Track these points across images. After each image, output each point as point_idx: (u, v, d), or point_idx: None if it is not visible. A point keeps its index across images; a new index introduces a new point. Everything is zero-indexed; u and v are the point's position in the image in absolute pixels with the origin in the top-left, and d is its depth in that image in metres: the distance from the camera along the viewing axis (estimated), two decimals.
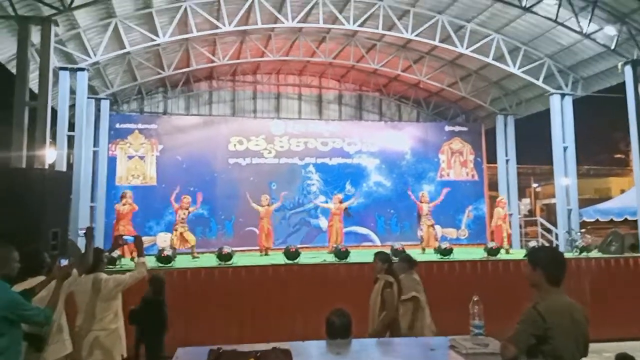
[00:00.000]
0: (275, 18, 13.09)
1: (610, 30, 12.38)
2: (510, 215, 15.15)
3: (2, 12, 9.86)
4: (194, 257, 12.03)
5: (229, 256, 10.03)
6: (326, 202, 16.06)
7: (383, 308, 5.22)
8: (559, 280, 2.90)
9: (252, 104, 19.10)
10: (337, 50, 16.40)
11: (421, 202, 14.19)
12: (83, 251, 4.89)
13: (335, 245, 11.89)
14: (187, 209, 12.63)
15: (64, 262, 5.51)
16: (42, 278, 4.29)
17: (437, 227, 15.08)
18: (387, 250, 10.95)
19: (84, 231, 5.03)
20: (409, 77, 17.62)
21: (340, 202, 14.16)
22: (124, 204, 12.35)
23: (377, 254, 5.72)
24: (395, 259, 6.44)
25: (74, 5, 10.19)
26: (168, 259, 9.83)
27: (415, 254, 11.55)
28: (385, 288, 5.28)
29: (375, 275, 5.52)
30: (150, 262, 8.63)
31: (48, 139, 9.96)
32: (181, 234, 12.41)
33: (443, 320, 6.01)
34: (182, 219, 12.54)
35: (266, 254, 13.09)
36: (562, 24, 12.41)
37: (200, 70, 17.03)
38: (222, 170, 16.57)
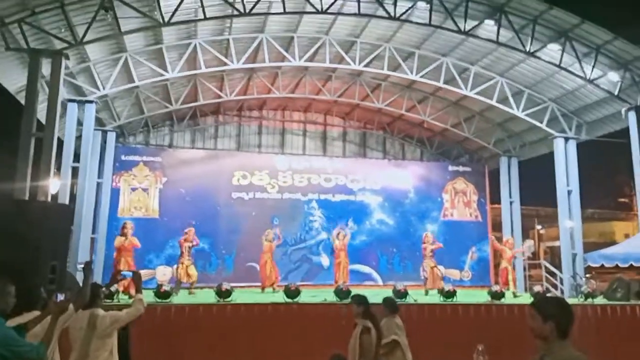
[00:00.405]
0: (283, 57, 13.32)
1: (614, 76, 12.54)
2: (515, 258, 14.99)
3: (15, 44, 10.05)
4: (190, 293, 11.89)
5: (227, 293, 9.88)
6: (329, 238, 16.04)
7: (362, 354, 5.12)
8: (568, 332, 2.81)
9: (257, 139, 19.24)
10: (342, 89, 16.62)
11: (424, 242, 14.07)
12: (81, 285, 4.80)
13: (338, 284, 11.73)
14: (191, 241, 12.57)
15: (61, 297, 5.42)
16: (37, 313, 4.20)
17: (441, 267, 14.89)
18: (389, 291, 10.84)
19: (83, 265, 4.95)
20: (413, 117, 17.76)
21: (344, 237, 14.09)
22: (124, 235, 12.20)
23: (352, 297, 5.65)
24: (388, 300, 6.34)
25: (85, 39, 10.39)
26: (166, 295, 9.68)
27: (418, 294, 11.42)
28: (363, 334, 5.19)
29: (354, 319, 5.43)
30: (148, 297, 8.50)
31: (52, 170, 9.99)
32: (187, 267, 12.30)
33: None
34: (188, 251, 12.47)
35: (273, 290, 12.91)
36: (565, 69, 12.57)
37: (207, 105, 17.22)
38: (224, 204, 16.54)
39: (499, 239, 15.76)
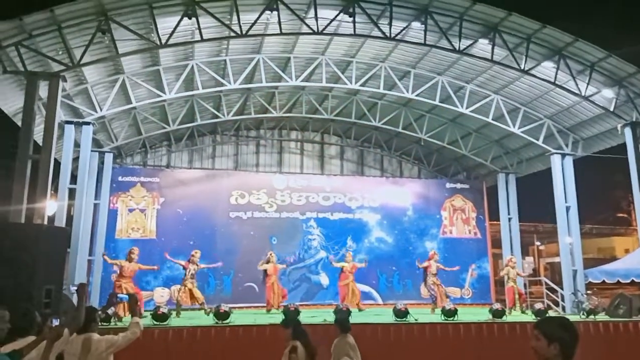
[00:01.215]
0: (280, 77, 13.39)
1: (609, 93, 12.61)
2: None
3: (12, 67, 10.09)
4: (207, 313, 11.46)
5: (226, 314, 9.76)
6: (327, 256, 15.96)
7: None
8: (573, 354, 2.75)
9: (254, 158, 19.26)
10: (339, 107, 16.67)
11: (430, 258, 13.74)
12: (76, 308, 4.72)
13: (338, 305, 11.57)
14: (196, 264, 12.36)
15: (56, 322, 5.34)
16: (32, 338, 4.11)
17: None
18: (390, 310, 10.72)
19: (77, 288, 4.88)
20: (410, 134, 17.77)
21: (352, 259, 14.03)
22: (130, 261, 11.87)
23: (280, 322, 5.80)
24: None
25: (83, 62, 10.43)
26: (164, 317, 9.54)
27: (419, 313, 11.28)
28: (291, 353, 5.21)
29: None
30: (146, 320, 8.39)
31: (49, 192, 9.94)
32: (190, 290, 12.10)
33: None
34: (192, 274, 12.24)
35: (267, 311, 12.72)
36: (560, 86, 12.64)
37: (205, 125, 17.26)
38: (222, 224, 16.43)
39: (499, 256, 15.62)
